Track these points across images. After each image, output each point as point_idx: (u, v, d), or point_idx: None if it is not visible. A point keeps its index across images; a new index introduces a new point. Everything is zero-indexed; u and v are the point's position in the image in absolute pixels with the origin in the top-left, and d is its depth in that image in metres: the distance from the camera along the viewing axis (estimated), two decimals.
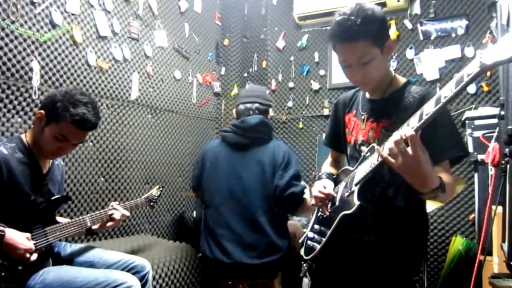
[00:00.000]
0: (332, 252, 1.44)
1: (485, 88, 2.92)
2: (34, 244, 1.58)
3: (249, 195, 2.22)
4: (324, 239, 1.40)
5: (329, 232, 1.38)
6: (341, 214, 1.32)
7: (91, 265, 1.84)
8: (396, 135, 1.11)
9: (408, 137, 1.07)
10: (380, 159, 1.20)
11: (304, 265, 1.57)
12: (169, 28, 3.32)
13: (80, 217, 1.81)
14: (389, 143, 1.12)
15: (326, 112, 3.59)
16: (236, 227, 2.20)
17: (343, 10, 1.31)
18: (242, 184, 2.24)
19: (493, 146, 2.25)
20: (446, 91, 1.00)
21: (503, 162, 2.14)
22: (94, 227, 1.88)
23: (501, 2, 2.28)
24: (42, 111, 1.68)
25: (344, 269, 1.48)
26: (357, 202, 1.27)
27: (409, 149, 1.08)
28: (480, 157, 2.40)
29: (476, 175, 2.49)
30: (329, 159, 1.81)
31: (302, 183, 2.29)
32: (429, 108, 1.05)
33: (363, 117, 1.49)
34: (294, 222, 2.73)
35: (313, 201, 1.54)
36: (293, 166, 2.27)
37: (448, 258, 2.79)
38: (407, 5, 3.21)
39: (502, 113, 2.18)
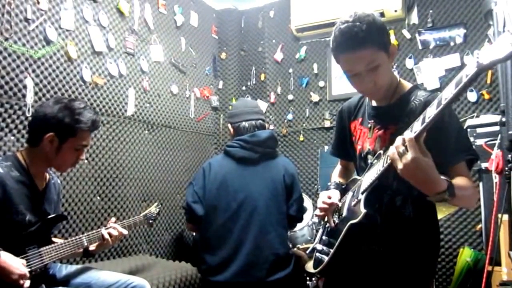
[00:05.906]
0: (341, 264, 1.42)
1: (486, 96, 2.91)
2: (29, 265, 1.55)
3: (260, 210, 2.19)
4: (332, 250, 1.38)
5: (336, 243, 1.35)
6: (348, 224, 1.30)
7: (87, 287, 1.80)
8: (398, 140, 1.11)
9: (407, 140, 1.08)
10: (385, 165, 1.19)
11: (314, 279, 1.54)
12: (165, 42, 3.29)
13: (77, 237, 1.78)
14: (391, 148, 1.13)
15: (327, 124, 3.56)
16: (244, 244, 2.14)
17: (344, 18, 1.28)
18: (253, 199, 2.20)
19: (496, 153, 2.25)
20: (447, 93, 1.01)
21: (506, 169, 2.12)
22: (91, 247, 1.86)
23: (497, 9, 2.29)
24: (51, 133, 1.67)
25: (353, 282, 1.45)
26: (363, 210, 1.25)
27: (408, 153, 1.07)
28: (483, 165, 2.39)
29: (481, 184, 2.46)
30: (338, 168, 1.77)
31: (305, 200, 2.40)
32: (431, 111, 1.05)
33: (369, 125, 1.46)
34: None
35: (317, 212, 1.53)
36: (299, 188, 2.36)
37: (456, 271, 2.73)
38: (404, 15, 3.22)
39: (504, 119, 2.18)
